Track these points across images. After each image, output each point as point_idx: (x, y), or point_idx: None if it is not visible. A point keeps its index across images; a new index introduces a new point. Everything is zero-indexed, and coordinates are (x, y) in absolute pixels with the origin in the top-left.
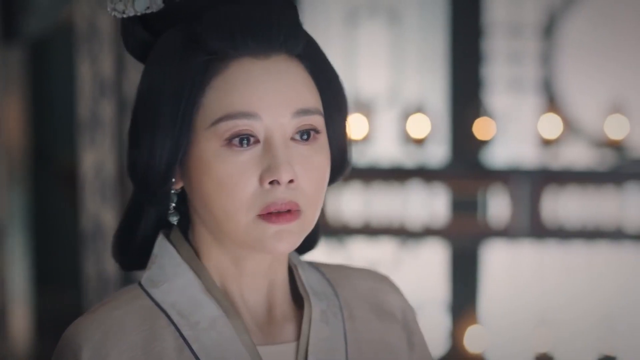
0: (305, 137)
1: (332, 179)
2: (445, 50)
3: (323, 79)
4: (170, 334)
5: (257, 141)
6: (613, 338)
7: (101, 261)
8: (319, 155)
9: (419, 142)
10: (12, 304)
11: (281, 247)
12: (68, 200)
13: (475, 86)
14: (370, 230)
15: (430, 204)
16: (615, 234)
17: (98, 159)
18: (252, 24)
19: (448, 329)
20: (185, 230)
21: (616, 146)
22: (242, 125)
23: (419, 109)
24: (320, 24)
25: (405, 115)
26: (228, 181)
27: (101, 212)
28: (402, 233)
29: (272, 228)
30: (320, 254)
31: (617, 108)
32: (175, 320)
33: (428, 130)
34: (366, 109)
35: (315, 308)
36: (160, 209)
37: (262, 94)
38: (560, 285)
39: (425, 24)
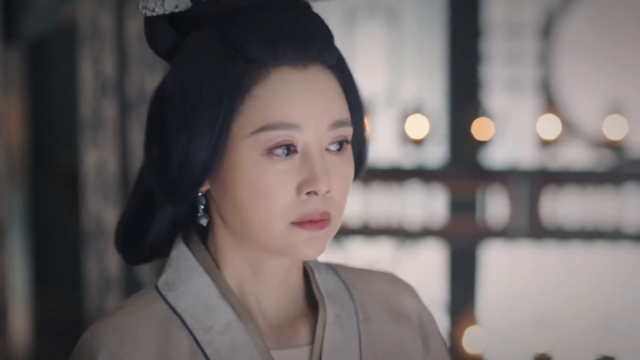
0: (338, 147)
1: None
2: (443, 51)
3: (351, 90)
4: (184, 338)
5: (295, 151)
6: (612, 338)
7: (103, 260)
8: (348, 165)
9: (418, 142)
10: (11, 304)
11: (312, 252)
12: (68, 201)
13: (474, 86)
14: (368, 231)
15: (428, 205)
16: (614, 235)
17: (100, 159)
18: (292, 33)
19: (446, 329)
20: (202, 233)
21: (615, 146)
22: (284, 135)
23: (418, 110)
24: None
25: (404, 116)
26: (266, 190)
27: (103, 211)
28: (401, 233)
29: (304, 234)
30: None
31: (615, 108)
32: (189, 324)
33: (426, 131)
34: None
35: (330, 311)
36: (178, 209)
37: (303, 105)
38: (559, 285)
39: (423, 25)
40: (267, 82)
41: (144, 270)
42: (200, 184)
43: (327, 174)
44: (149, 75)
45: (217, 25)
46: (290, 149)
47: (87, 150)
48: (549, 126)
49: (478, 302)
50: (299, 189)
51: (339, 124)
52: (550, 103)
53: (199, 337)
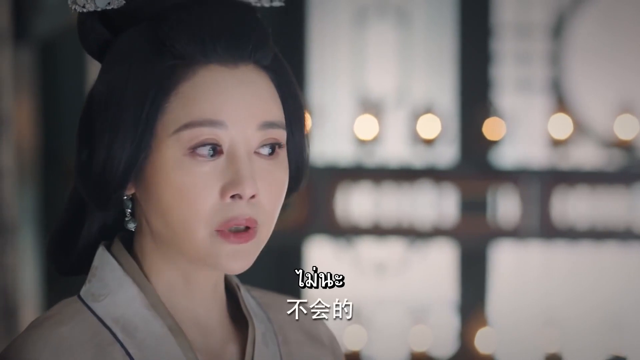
0: (269, 151)
1: (288, 193)
2: (454, 51)
3: (287, 92)
4: (117, 351)
5: (220, 152)
6: (622, 338)
7: None
8: (280, 171)
9: (428, 142)
10: (22, 304)
11: (236, 266)
12: None
13: (485, 86)
14: (379, 231)
15: (439, 205)
16: (625, 234)
17: None
18: (223, 31)
19: (457, 329)
20: (127, 242)
21: (626, 146)
22: (207, 133)
23: (428, 110)
24: (328, 24)
25: (415, 116)
26: (189, 192)
27: None
28: (411, 233)
29: (228, 247)
30: (329, 254)
31: (626, 108)
32: (120, 338)
33: (437, 131)
34: (375, 110)
35: (258, 330)
36: (106, 214)
37: (230, 103)
38: (569, 285)
39: (434, 25)
40: (194, 80)
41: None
42: (123, 186)
43: (253, 177)
44: None
45: (149, 23)
46: (216, 149)
47: None
48: (560, 126)
49: (488, 302)
50: (222, 192)
51: (269, 125)
52: (561, 103)
53: (132, 352)
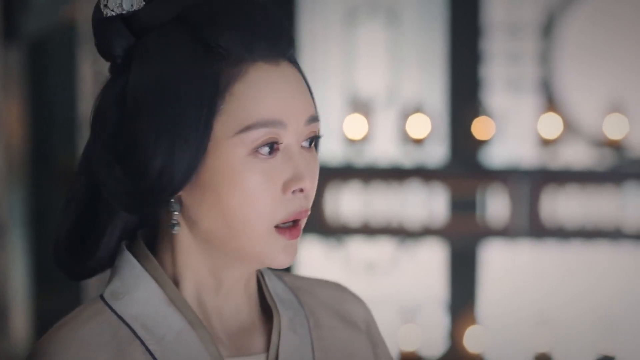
0: (309, 144)
1: None
2: (444, 50)
3: (308, 86)
4: (137, 349)
5: (277, 149)
6: (612, 338)
7: None
8: (317, 162)
9: (418, 141)
10: (12, 304)
11: (287, 260)
12: None
13: (474, 86)
14: (369, 230)
15: (429, 204)
16: (615, 234)
17: None
18: (265, 28)
19: (447, 328)
20: (149, 242)
21: (615, 146)
22: (270, 133)
23: (418, 109)
24: (319, 23)
25: (404, 115)
26: (254, 190)
27: None
28: (401, 233)
29: (282, 242)
30: (319, 254)
31: (616, 107)
32: (140, 335)
33: (427, 130)
34: (365, 109)
35: (284, 317)
36: (133, 218)
37: (285, 101)
38: (559, 285)
39: (424, 24)
40: (245, 80)
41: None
42: (180, 188)
43: (309, 170)
44: None
45: (176, 23)
46: (273, 147)
47: None
48: (550, 125)
49: (478, 302)
50: (284, 187)
51: (313, 119)
52: (551, 102)
53: (151, 348)
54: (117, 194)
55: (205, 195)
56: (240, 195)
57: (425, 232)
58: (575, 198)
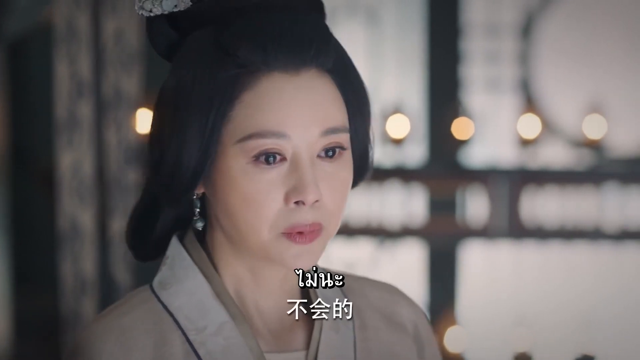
0: (330, 154)
1: (352, 185)
2: (423, 51)
3: (351, 91)
4: (178, 338)
5: (283, 159)
6: (592, 337)
7: (78, 261)
8: (343, 171)
9: (397, 142)
10: None
11: (302, 264)
12: (46, 201)
13: (454, 86)
14: (348, 231)
15: (408, 204)
16: (594, 234)
17: (75, 160)
18: (284, 37)
19: None
20: (200, 234)
21: (594, 146)
22: (270, 144)
23: (397, 109)
24: None
25: (384, 115)
26: (254, 198)
27: (78, 212)
28: (380, 233)
29: (294, 247)
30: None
31: (595, 108)
32: (182, 325)
33: (406, 131)
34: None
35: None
36: (179, 209)
37: (293, 113)
38: (539, 285)
39: (403, 24)
40: (256, 89)
41: (120, 272)
42: (192, 187)
43: (316, 182)
44: (124, 75)
45: (214, 27)
46: (276, 157)
47: (63, 151)
48: (529, 126)
49: (458, 302)
50: (286, 198)
51: (331, 130)
52: (530, 103)
53: (191, 338)
54: (153, 185)
55: (217, 196)
56: (241, 201)
57: (405, 232)
58: (554, 198)
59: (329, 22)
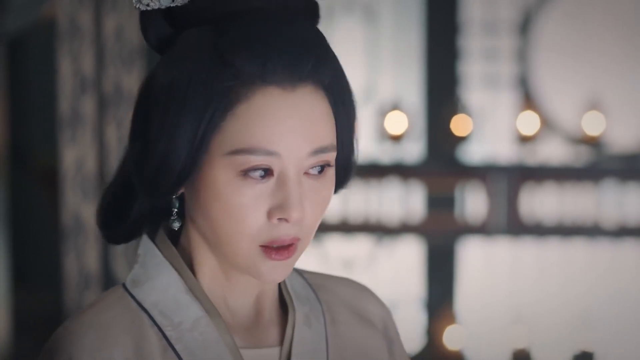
0: (318, 171)
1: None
2: (421, 48)
3: (342, 106)
4: (154, 335)
5: (271, 174)
6: (590, 334)
7: (82, 257)
8: (327, 189)
9: (396, 139)
10: None
11: (275, 278)
12: (47, 198)
13: (452, 83)
14: (347, 227)
15: (407, 201)
16: (592, 230)
17: (79, 156)
18: (283, 52)
19: (424, 325)
20: (172, 231)
21: (593, 143)
22: (260, 161)
23: (396, 106)
24: None
25: (382, 112)
26: (237, 211)
27: (82, 208)
28: (379, 230)
29: (269, 262)
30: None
31: (593, 105)
32: (158, 321)
33: (405, 127)
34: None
35: (299, 312)
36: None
37: (284, 132)
38: (537, 281)
39: (401, 21)
40: (251, 103)
41: (122, 268)
42: (174, 191)
43: (301, 201)
44: (125, 72)
45: (212, 25)
46: (267, 171)
47: (66, 147)
48: (527, 122)
49: (456, 298)
50: (269, 214)
51: (321, 150)
52: (528, 99)
53: (168, 334)
54: (134, 176)
55: (198, 204)
56: (224, 212)
57: (403, 229)
58: (553, 195)
59: (326, 20)
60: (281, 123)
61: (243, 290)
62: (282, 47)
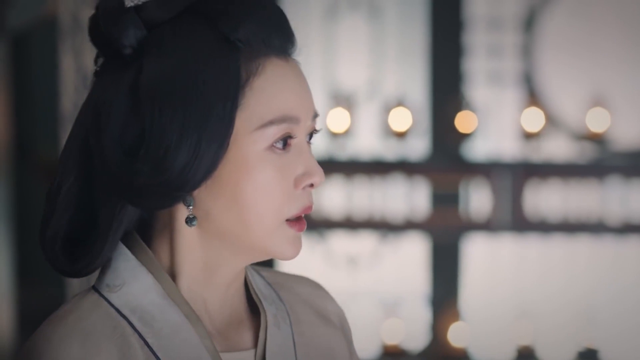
0: (309, 139)
1: None
2: (425, 44)
3: None
4: (136, 342)
5: (289, 144)
6: (594, 330)
7: None
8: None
9: (400, 135)
10: None
11: (296, 252)
12: None
13: (456, 79)
14: (351, 224)
15: (411, 197)
16: (597, 227)
17: None
18: (279, 23)
19: (429, 322)
20: (143, 235)
21: (597, 139)
22: (287, 129)
23: (400, 103)
24: (300, 17)
25: (386, 109)
26: (269, 185)
27: None
28: (383, 226)
29: (291, 234)
30: (302, 248)
31: (598, 101)
32: (138, 328)
33: (409, 124)
34: (347, 103)
35: (269, 313)
36: (134, 216)
37: (300, 97)
38: (541, 278)
39: (405, 18)
40: (263, 74)
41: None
42: (200, 183)
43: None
44: None
45: (189, 16)
46: (286, 141)
47: None
48: (532, 119)
49: (461, 295)
50: (297, 182)
51: (316, 115)
52: (533, 96)
53: (149, 341)
54: (130, 189)
55: (222, 189)
56: (256, 189)
57: (408, 225)
58: (557, 191)
59: (330, 16)
60: (295, 90)
61: (222, 292)
62: (278, 19)
